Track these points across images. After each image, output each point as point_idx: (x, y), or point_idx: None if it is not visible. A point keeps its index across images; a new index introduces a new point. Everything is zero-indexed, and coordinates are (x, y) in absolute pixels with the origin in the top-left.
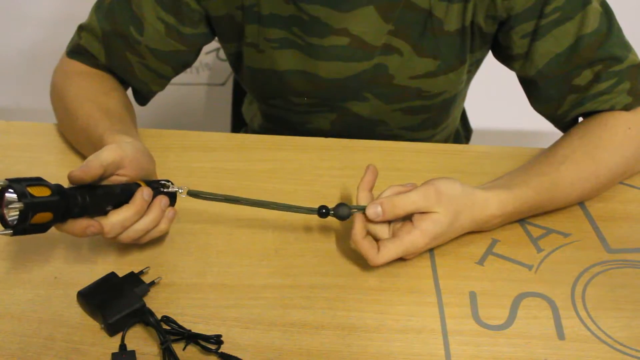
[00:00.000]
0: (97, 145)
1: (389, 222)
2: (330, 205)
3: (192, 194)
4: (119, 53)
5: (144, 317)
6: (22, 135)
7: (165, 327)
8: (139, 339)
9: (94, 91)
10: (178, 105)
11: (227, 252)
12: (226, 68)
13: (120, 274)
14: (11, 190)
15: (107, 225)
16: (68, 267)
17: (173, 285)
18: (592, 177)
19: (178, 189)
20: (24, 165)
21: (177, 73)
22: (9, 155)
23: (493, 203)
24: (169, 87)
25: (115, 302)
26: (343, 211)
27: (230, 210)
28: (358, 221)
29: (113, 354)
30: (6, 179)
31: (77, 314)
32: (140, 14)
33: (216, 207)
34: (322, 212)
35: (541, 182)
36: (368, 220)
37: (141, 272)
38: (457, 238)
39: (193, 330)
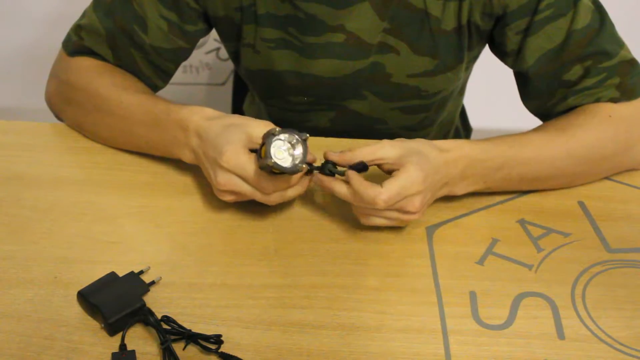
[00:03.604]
0: (162, 118)
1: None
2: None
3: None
4: (125, 50)
5: (144, 316)
6: (22, 135)
7: (165, 326)
8: (139, 339)
9: (128, 79)
10: None
11: (227, 252)
12: (226, 68)
13: (120, 274)
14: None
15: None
16: (68, 267)
17: (173, 285)
18: (562, 149)
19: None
20: (24, 165)
21: (177, 68)
22: (9, 155)
23: (450, 144)
24: (169, 87)
25: (115, 302)
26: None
27: (230, 210)
28: (351, 175)
29: (113, 354)
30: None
31: (77, 313)
32: (142, 12)
33: (216, 207)
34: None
35: (503, 139)
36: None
37: (141, 272)
38: (455, 234)
39: (193, 330)
